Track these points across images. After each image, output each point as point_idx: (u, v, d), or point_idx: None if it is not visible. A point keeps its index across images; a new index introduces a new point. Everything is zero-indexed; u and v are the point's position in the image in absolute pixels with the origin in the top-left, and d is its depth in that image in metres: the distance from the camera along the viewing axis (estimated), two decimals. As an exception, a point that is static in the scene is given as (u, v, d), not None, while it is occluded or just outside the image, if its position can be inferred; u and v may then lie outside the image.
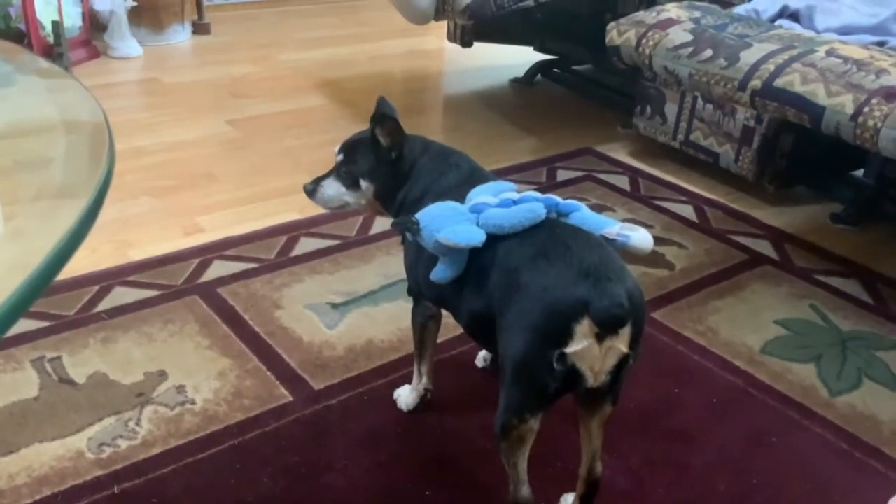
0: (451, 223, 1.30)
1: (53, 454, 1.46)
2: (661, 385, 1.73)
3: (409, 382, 1.63)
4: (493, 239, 1.28)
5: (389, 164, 1.51)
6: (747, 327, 1.94)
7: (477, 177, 1.48)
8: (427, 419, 1.60)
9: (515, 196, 1.34)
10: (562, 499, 1.41)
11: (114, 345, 1.76)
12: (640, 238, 1.34)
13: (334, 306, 1.94)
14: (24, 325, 1.78)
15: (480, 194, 1.37)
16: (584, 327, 1.13)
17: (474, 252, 1.29)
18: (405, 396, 1.63)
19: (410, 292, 1.55)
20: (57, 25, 3.26)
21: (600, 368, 1.16)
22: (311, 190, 1.57)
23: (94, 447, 1.48)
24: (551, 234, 1.26)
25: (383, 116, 1.50)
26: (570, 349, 1.13)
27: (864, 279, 2.19)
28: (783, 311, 2.02)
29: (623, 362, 1.17)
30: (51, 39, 3.31)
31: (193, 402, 1.60)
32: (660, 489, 1.47)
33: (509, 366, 1.21)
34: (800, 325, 1.97)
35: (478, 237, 1.27)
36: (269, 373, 1.70)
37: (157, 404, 1.60)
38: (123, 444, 1.50)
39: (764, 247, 2.33)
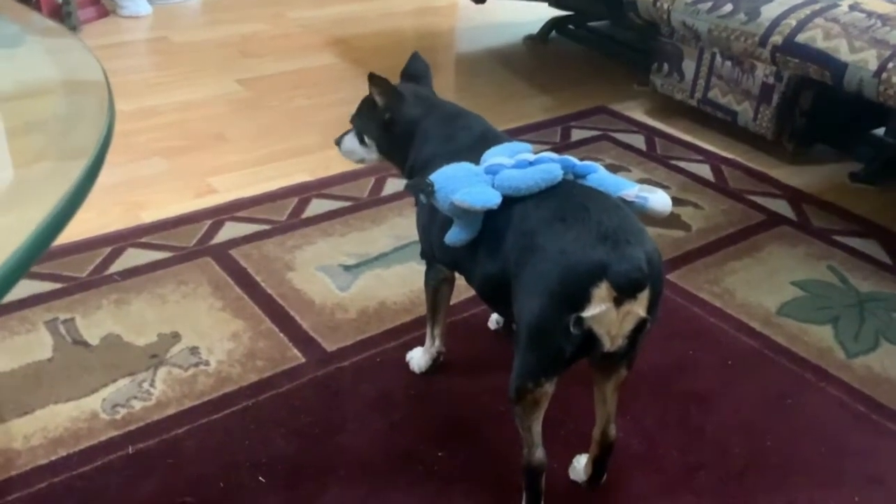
0: (467, 185, 1.27)
1: (68, 415, 1.47)
2: (676, 347, 1.72)
3: (422, 344, 1.62)
4: (509, 201, 1.25)
5: (385, 123, 1.51)
6: (764, 289, 1.92)
7: (490, 138, 1.44)
8: (440, 381, 1.60)
9: (531, 157, 1.31)
10: (574, 460, 1.41)
11: (127, 306, 1.76)
12: (659, 200, 1.31)
13: (346, 268, 1.93)
14: (37, 287, 1.78)
15: (495, 155, 1.35)
16: (602, 291, 1.11)
17: (489, 214, 1.27)
18: (417, 358, 1.62)
19: (423, 255, 1.54)
20: (65, -16, 3.22)
21: (617, 332, 1.14)
22: (338, 142, 1.64)
23: (109, 408, 1.49)
24: (568, 196, 1.23)
25: (372, 75, 1.47)
26: (587, 313, 1.12)
27: (884, 239, 2.15)
28: (800, 273, 1.99)
29: (640, 326, 1.16)
30: (59, -1, 3.27)
31: (207, 364, 1.61)
32: (674, 451, 1.47)
33: (525, 329, 1.19)
34: (817, 287, 1.94)
35: (494, 199, 1.25)
36: (281, 334, 1.70)
37: (171, 365, 1.60)
38: (137, 404, 1.50)
39: (782, 207, 2.29)
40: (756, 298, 1.89)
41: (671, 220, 2.17)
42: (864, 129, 2.67)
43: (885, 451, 1.50)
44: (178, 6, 3.82)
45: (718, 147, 2.63)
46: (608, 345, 1.15)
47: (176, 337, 1.68)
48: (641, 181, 2.37)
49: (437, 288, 1.55)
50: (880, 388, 1.63)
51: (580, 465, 1.39)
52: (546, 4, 3.60)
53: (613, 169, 2.44)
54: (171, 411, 1.49)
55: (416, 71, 1.61)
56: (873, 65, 2.07)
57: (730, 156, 2.58)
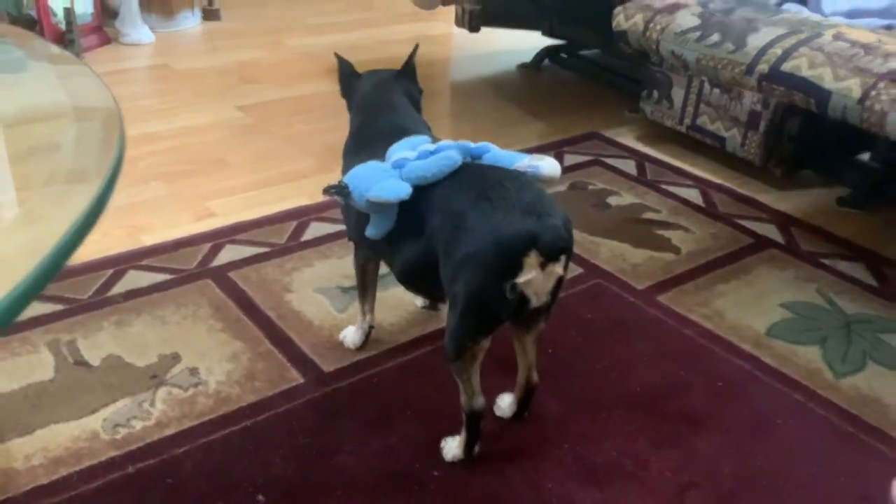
0: (377, 181, 1.39)
1: (69, 435, 1.49)
2: (667, 368, 1.75)
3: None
4: (423, 189, 1.38)
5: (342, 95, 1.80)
6: (753, 311, 1.96)
7: (396, 132, 1.56)
8: (436, 402, 1.62)
9: (431, 147, 1.44)
10: (499, 398, 1.57)
11: (128, 328, 1.78)
12: (548, 166, 1.46)
13: (344, 290, 1.96)
14: (39, 309, 1.81)
15: (399, 151, 1.47)
16: (532, 259, 1.26)
17: (408, 204, 1.38)
18: (351, 336, 1.74)
19: (350, 239, 1.67)
20: (68, 12, 3.28)
21: (542, 290, 1.31)
22: None
23: (109, 428, 1.51)
24: (483, 177, 1.36)
25: (336, 54, 1.76)
26: (520, 279, 1.27)
27: (870, 262, 2.19)
28: (789, 295, 2.03)
29: (559, 282, 1.33)
30: (62, 26, 3.33)
31: (206, 384, 1.63)
32: (666, 472, 1.49)
33: (464, 298, 1.31)
34: (805, 309, 1.98)
35: (405, 190, 1.37)
36: (280, 355, 1.72)
37: (171, 386, 1.62)
38: (138, 424, 1.53)
39: (770, 231, 2.33)
40: (745, 320, 1.92)
41: (662, 243, 2.21)
42: (851, 155, 2.72)
43: (874, 470, 1.52)
44: (180, 34, 3.88)
45: (707, 172, 2.67)
46: (535, 302, 1.31)
47: (176, 358, 1.70)
48: (633, 205, 2.42)
49: (364, 266, 1.68)
50: (868, 408, 1.66)
51: (505, 403, 1.56)
52: (539, 33, 3.67)
53: (605, 192, 2.49)
54: (170, 431, 1.51)
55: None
56: (857, 92, 2.12)
57: (719, 181, 2.62)
